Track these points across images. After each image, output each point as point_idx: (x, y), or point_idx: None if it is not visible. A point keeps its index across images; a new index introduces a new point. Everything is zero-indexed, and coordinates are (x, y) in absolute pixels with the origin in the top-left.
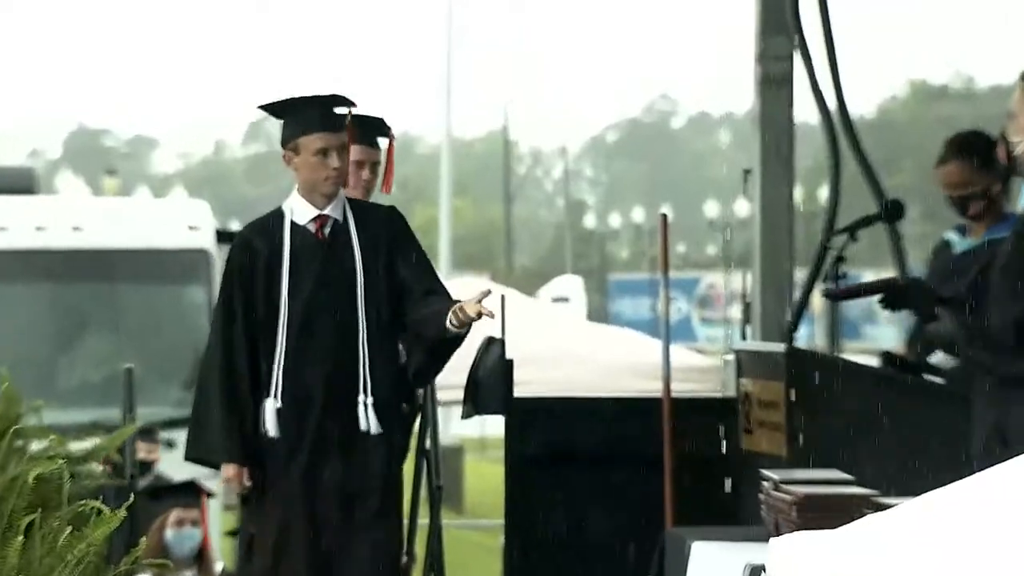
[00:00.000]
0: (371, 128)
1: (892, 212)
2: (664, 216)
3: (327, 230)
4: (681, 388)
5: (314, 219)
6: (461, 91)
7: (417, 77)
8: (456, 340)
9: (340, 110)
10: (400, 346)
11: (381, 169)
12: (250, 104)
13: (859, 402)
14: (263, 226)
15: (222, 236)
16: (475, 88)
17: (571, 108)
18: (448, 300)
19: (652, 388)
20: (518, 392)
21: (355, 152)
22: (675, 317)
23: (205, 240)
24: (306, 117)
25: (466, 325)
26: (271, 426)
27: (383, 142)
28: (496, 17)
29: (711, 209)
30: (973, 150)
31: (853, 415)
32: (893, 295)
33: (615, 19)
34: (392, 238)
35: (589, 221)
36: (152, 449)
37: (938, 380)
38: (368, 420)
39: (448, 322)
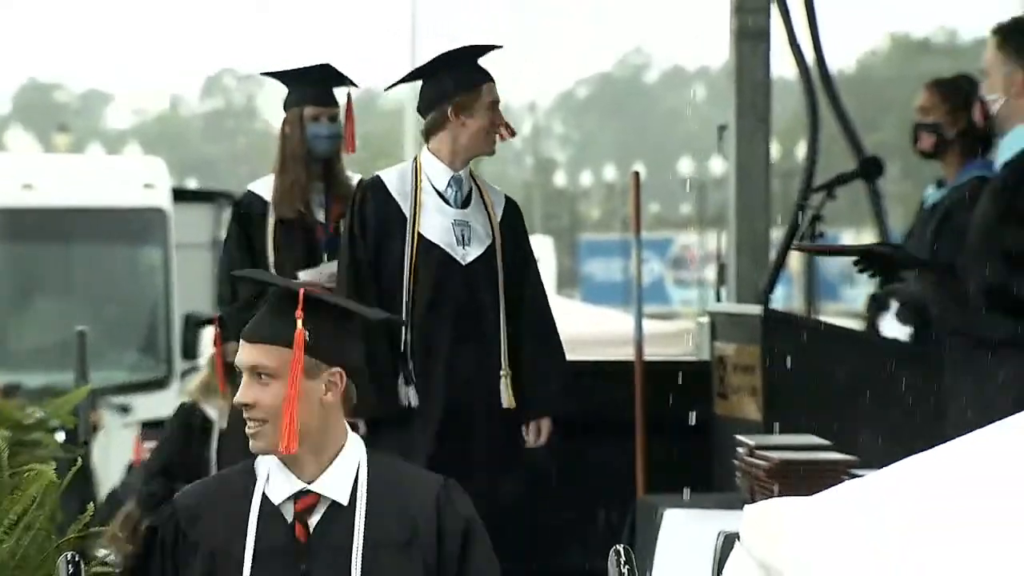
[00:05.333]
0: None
1: (871, 169)
2: (636, 174)
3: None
4: (653, 352)
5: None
6: (426, 45)
7: (380, 31)
8: None
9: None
10: None
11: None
12: (206, 58)
13: (836, 366)
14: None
15: (178, 195)
16: (440, 42)
17: (540, 62)
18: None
19: (622, 354)
20: None
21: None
22: (648, 279)
23: (161, 199)
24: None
25: None
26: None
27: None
28: None
29: (685, 167)
30: (946, 86)
31: (830, 379)
32: (871, 261)
33: None
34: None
35: (559, 179)
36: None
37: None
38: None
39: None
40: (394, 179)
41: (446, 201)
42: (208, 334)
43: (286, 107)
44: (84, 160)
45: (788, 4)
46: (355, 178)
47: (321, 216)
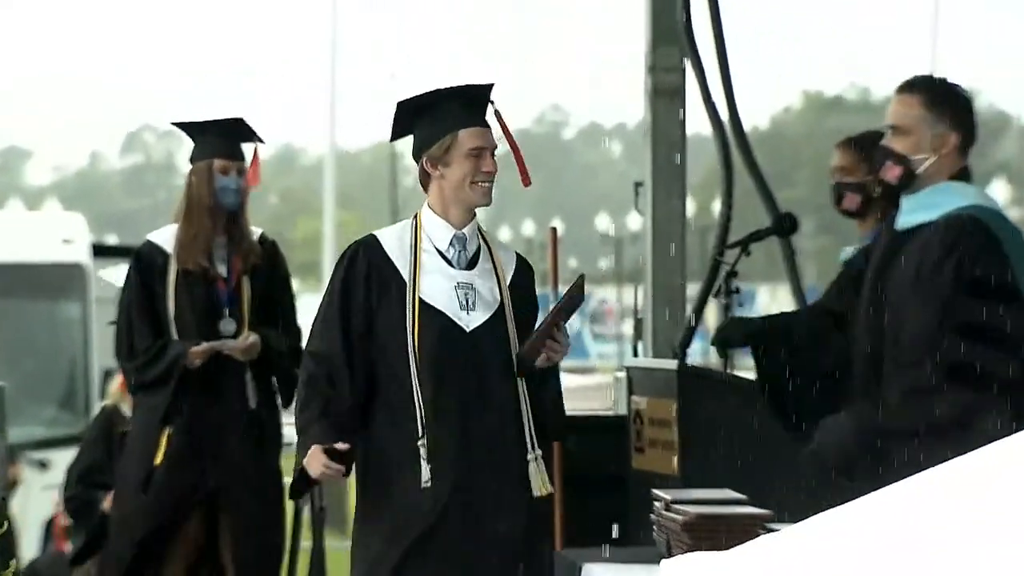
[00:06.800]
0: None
1: (785, 226)
2: (554, 230)
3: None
4: (571, 406)
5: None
6: (346, 102)
7: (301, 88)
8: None
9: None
10: None
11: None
12: (126, 114)
13: (752, 420)
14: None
15: (98, 250)
16: (361, 99)
17: None
18: None
19: None
20: None
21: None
22: None
23: (80, 254)
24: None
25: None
26: None
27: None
28: (380, 30)
29: (602, 222)
30: (865, 144)
31: (746, 433)
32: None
33: (503, 29)
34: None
35: None
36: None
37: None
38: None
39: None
40: (391, 238)
41: (449, 262)
42: None
43: (193, 159)
44: (3, 216)
45: (702, 62)
46: (257, 232)
47: (223, 270)
